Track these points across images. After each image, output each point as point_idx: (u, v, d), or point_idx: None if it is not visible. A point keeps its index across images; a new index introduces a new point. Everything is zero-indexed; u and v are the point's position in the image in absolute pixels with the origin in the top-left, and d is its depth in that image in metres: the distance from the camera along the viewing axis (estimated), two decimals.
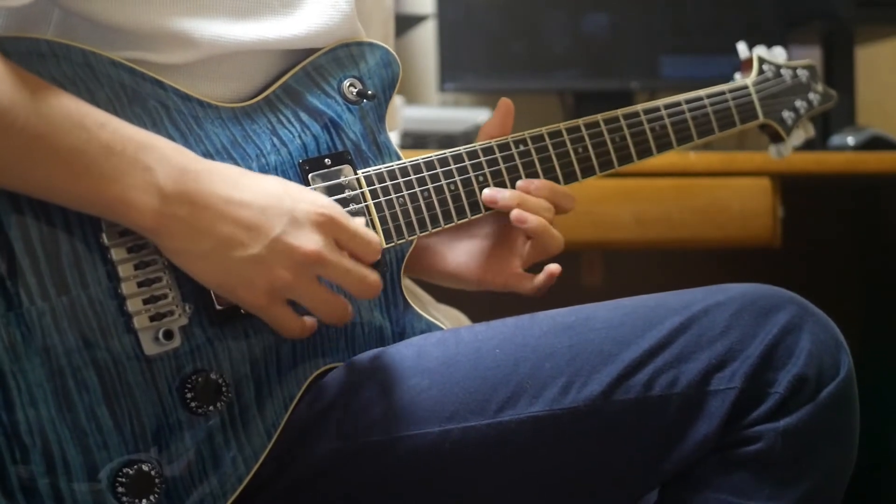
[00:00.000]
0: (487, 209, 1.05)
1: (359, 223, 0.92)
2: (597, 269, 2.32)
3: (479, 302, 1.40)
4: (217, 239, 0.85)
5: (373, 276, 0.91)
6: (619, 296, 1.01)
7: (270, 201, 0.87)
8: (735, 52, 1.32)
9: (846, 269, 2.42)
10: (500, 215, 1.07)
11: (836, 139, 1.97)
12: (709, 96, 1.21)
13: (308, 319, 0.92)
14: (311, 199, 0.89)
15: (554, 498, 0.94)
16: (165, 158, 0.84)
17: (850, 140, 1.93)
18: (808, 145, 1.78)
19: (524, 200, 1.04)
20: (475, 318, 1.28)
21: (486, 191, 1.05)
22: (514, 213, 1.04)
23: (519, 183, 1.06)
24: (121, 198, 0.82)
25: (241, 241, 0.85)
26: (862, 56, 2.26)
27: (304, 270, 0.88)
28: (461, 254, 1.11)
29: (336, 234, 0.90)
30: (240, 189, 0.87)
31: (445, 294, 1.25)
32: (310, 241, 0.87)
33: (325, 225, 0.89)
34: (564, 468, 0.93)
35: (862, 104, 2.22)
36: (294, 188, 0.90)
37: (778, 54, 1.32)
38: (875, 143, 1.93)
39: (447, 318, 1.19)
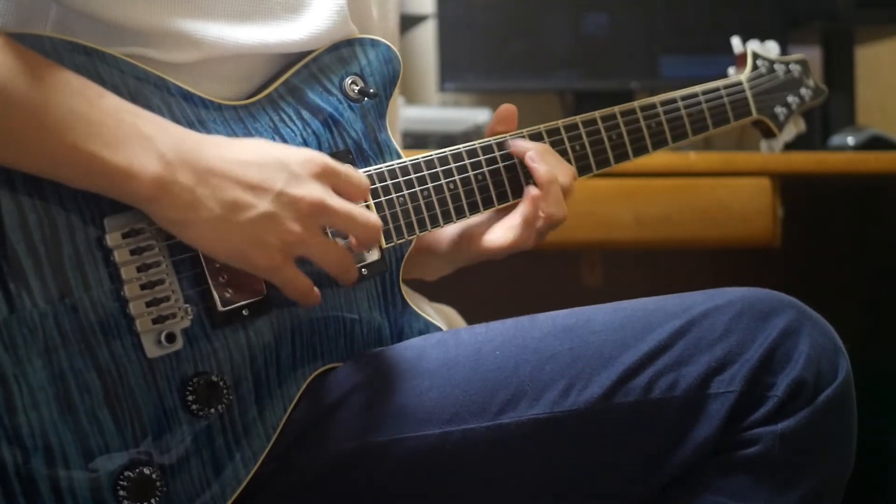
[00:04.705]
0: (486, 208, 1.06)
1: (347, 167, 0.92)
2: (597, 269, 2.32)
3: (474, 301, 1.40)
4: (222, 204, 0.85)
5: (374, 216, 0.92)
6: (619, 296, 1.01)
7: (265, 158, 0.87)
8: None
9: (846, 269, 2.42)
10: (499, 211, 1.08)
11: (836, 139, 1.97)
12: (704, 92, 1.21)
13: (315, 288, 0.92)
14: (301, 152, 0.90)
15: (554, 500, 0.94)
16: (163, 127, 0.85)
17: (850, 140, 1.93)
18: (808, 145, 1.79)
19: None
20: (469, 316, 1.29)
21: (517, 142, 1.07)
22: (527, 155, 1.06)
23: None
24: (123, 167, 0.82)
25: (247, 202, 0.85)
26: (862, 56, 2.26)
27: (312, 221, 0.88)
28: (458, 227, 1.12)
29: (332, 181, 0.90)
30: (234, 151, 0.87)
31: (438, 293, 1.26)
32: (313, 191, 0.88)
33: (322, 174, 0.89)
34: (564, 470, 0.93)
35: (862, 104, 2.22)
36: (279, 145, 0.91)
37: (771, 49, 1.32)
38: (875, 143, 1.92)
39: (439, 315, 1.19)
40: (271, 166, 0.87)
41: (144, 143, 0.83)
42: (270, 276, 0.89)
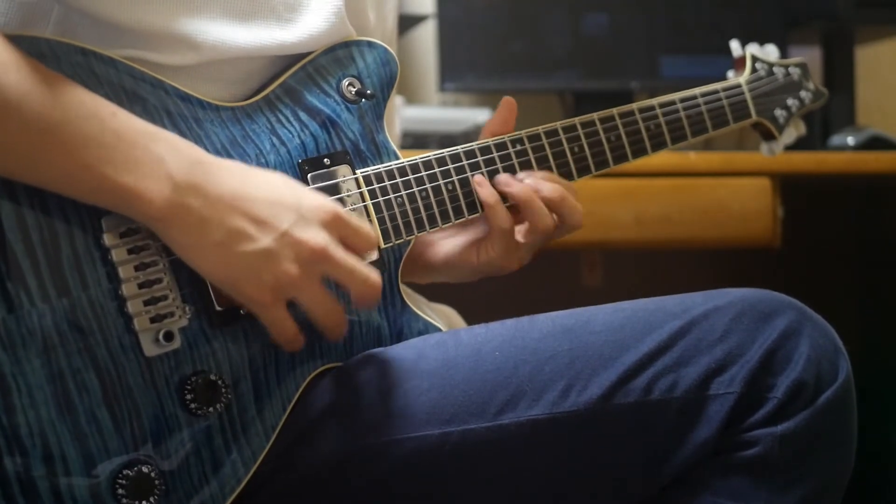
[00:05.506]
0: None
1: (358, 219, 0.92)
2: (597, 269, 2.32)
3: (474, 301, 1.40)
4: (226, 231, 0.85)
5: (375, 276, 0.91)
6: (619, 296, 1.01)
7: (278, 196, 0.87)
8: None
9: (846, 269, 2.42)
10: None
11: (836, 139, 1.97)
12: (703, 95, 1.21)
13: (301, 336, 0.91)
14: (315, 197, 0.90)
15: (553, 500, 0.94)
16: (176, 149, 0.85)
17: (850, 140, 1.93)
18: (808, 145, 1.78)
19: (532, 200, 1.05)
20: (469, 316, 1.29)
21: (500, 176, 1.05)
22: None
23: (526, 177, 1.06)
24: (133, 188, 0.82)
25: (250, 235, 0.85)
26: (862, 56, 2.26)
27: (311, 267, 0.88)
28: (457, 242, 1.11)
29: (340, 232, 0.90)
30: (248, 183, 0.87)
31: (438, 293, 1.25)
32: (317, 237, 0.87)
33: (331, 223, 0.89)
34: (564, 471, 0.93)
35: (862, 104, 2.21)
36: (297, 185, 0.91)
37: (770, 52, 1.32)
38: (875, 143, 1.93)
39: (439, 315, 1.19)
40: (281, 205, 0.87)
41: (156, 166, 0.83)
42: (258, 313, 0.89)
